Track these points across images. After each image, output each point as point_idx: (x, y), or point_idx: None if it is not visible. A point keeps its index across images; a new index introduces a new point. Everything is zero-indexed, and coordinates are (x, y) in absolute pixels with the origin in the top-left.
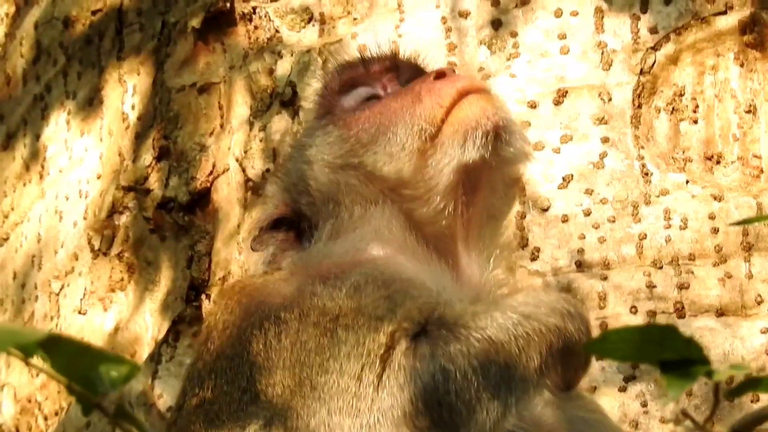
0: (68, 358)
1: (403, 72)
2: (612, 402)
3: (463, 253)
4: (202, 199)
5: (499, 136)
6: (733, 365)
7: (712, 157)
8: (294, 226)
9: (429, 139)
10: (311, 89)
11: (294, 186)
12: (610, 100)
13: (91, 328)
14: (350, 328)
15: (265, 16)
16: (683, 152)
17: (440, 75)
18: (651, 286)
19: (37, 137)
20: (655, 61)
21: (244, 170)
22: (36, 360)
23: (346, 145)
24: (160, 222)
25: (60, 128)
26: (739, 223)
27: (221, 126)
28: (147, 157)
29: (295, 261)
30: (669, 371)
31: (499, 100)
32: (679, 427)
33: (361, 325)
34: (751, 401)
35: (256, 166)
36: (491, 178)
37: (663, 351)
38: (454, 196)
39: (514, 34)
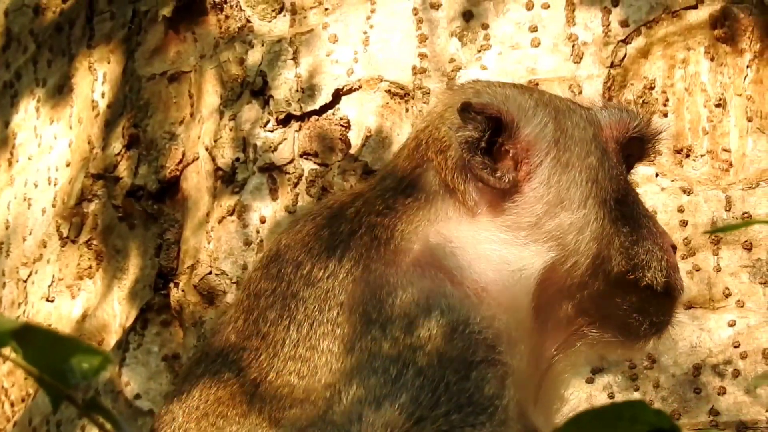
0: (40, 348)
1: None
2: (579, 393)
3: (551, 349)
4: (171, 187)
5: (656, 336)
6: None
7: (682, 150)
8: (484, 151)
9: (645, 287)
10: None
11: (548, 142)
12: (580, 92)
13: (58, 315)
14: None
15: (236, 6)
16: None
17: (674, 249)
18: None
19: (7, 124)
20: (625, 54)
21: (213, 159)
22: (6, 349)
23: (612, 193)
24: (129, 210)
25: (29, 115)
26: (712, 232)
27: (191, 115)
28: (116, 145)
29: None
30: None
31: None
32: None
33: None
34: (718, 393)
35: (226, 155)
36: (627, 347)
37: (634, 425)
38: (593, 316)
39: (485, 26)
